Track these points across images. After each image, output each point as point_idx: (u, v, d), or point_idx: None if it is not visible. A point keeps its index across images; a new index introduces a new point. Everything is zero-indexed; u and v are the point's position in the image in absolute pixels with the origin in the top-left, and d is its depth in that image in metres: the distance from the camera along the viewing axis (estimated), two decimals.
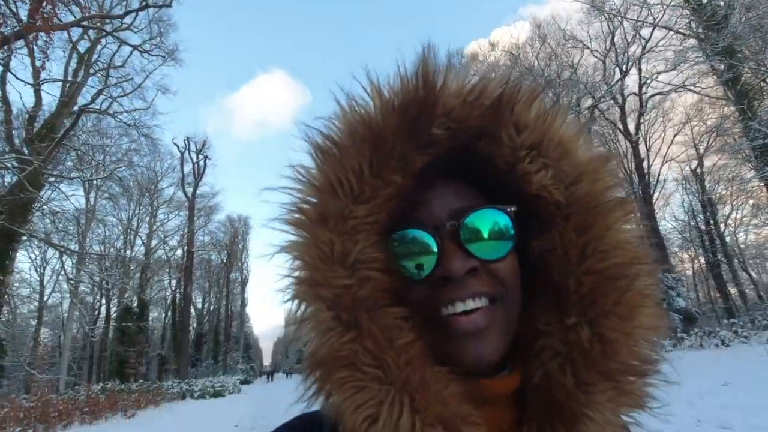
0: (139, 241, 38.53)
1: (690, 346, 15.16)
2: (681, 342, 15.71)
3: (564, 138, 0.48)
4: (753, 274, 36.40)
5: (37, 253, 30.09)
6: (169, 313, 42.60)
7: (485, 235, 0.46)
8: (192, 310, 41.30)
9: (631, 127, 26.56)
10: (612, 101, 25.99)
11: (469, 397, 0.43)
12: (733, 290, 30.58)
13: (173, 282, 41.90)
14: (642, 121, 26.84)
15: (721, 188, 28.27)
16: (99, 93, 19.50)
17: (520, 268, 0.50)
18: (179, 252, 39.02)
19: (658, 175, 30.25)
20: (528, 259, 0.50)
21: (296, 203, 0.46)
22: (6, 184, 15.84)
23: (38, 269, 32.39)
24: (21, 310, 32.02)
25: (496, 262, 0.46)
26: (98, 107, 19.67)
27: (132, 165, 26.45)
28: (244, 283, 55.30)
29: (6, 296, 17.89)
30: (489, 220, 0.46)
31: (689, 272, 39.40)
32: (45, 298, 32.93)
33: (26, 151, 17.01)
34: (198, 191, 36.54)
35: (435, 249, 0.45)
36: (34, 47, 14.70)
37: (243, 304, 55.76)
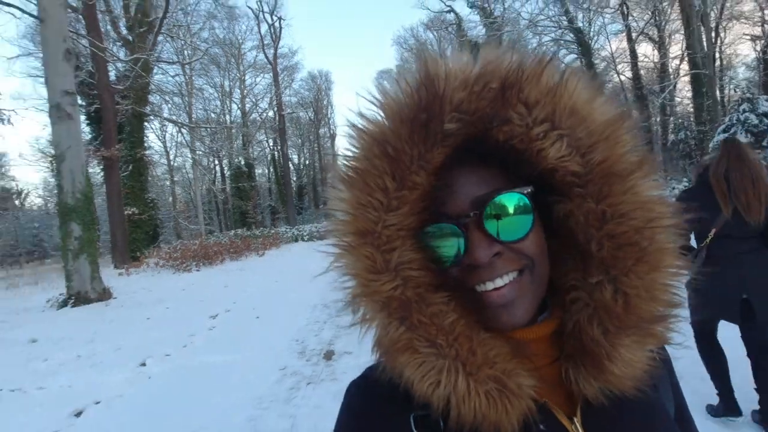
0: (234, 107, 42.72)
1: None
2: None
3: (577, 105, 0.48)
4: None
5: (156, 125, 35.47)
6: (271, 169, 48.73)
7: (505, 218, 0.49)
8: (290, 165, 46.59)
9: None
10: None
11: (515, 353, 0.51)
12: None
13: (270, 142, 46.87)
14: None
15: None
16: None
17: (549, 227, 0.55)
18: (270, 113, 42.74)
19: None
20: (554, 221, 0.53)
21: (337, 223, 0.51)
22: (121, 71, 18.81)
23: (160, 138, 38.55)
24: (156, 172, 39.39)
25: (519, 242, 0.50)
26: None
27: (220, 43, 28.30)
28: (332, 137, 59.19)
29: (148, 164, 22.62)
30: (508, 205, 0.49)
31: None
32: (171, 161, 39.79)
33: (130, 38, 19.57)
34: (278, 52, 37.88)
35: (462, 239, 0.49)
36: None
37: (335, 157, 60.33)
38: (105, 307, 8.00)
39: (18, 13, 10.88)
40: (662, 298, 0.49)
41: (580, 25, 26.91)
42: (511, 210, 0.50)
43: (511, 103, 0.47)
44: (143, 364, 4.79)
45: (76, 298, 8.12)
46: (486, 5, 29.85)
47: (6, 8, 11.00)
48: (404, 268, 0.49)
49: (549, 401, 0.51)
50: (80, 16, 16.56)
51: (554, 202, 0.52)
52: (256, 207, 36.17)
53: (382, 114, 0.49)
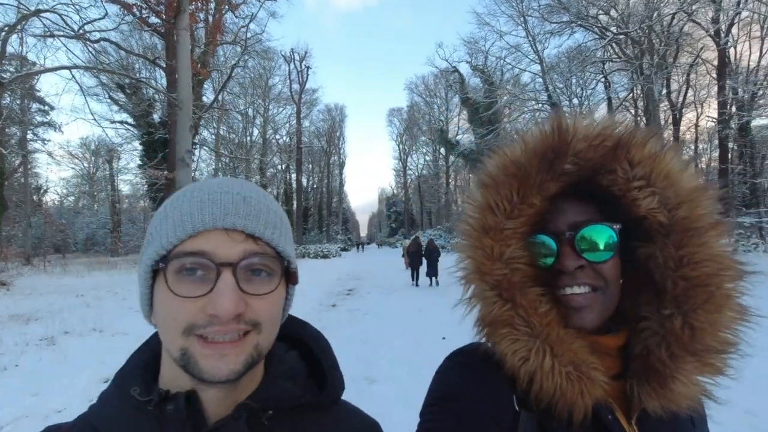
0: (255, 131, 49.12)
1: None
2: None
3: (671, 171, 0.64)
4: None
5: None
6: (281, 191, 54.62)
7: (593, 243, 0.65)
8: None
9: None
10: None
11: (591, 349, 0.65)
12: None
13: (283, 166, 52.93)
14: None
15: None
16: (242, 57, 26.94)
17: (629, 266, 0.70)
18: (287, 139, 49.05)
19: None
20: (634, 261, 0.69)
21: (466, 218, 0.70)
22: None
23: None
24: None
25: (599, 264, 0.66)
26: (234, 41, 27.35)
27: (254, 85, 34.58)
28: (341, 165, 65.48)
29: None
30: (597, 233, 0.65)
31: None
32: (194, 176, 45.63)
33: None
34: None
35: (555, 250, 0.67)
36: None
37: (341, 184, 66.82)
38: None
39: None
40: (722, 335, 0.62)
41: (564, 95, 32.31)
42: (599, 237, 0.66)
43: (619, 159, 0.65)
44: None
45: None
46: (485, 70, 36.00)
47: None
48: (513, 261, 0.66)
49: (613, 403, 0.64)
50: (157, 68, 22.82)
51: (637, 246, 0.68)
52: None
53: (523, 145, 0.68)
